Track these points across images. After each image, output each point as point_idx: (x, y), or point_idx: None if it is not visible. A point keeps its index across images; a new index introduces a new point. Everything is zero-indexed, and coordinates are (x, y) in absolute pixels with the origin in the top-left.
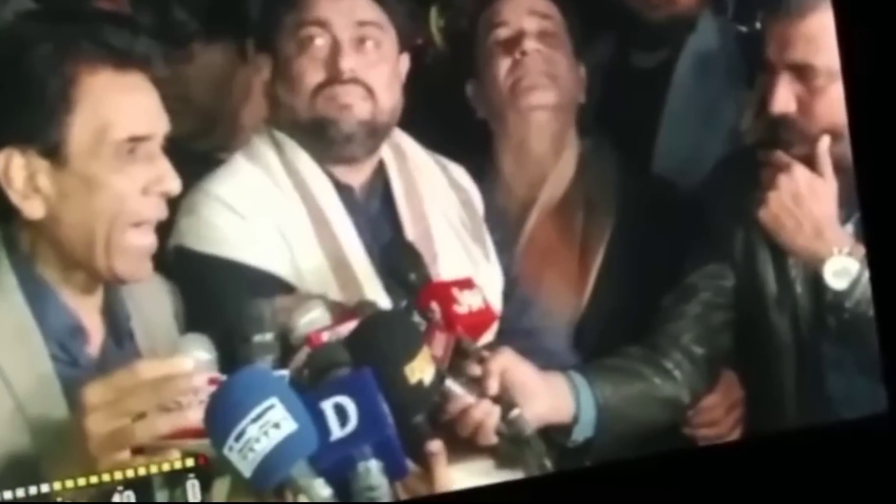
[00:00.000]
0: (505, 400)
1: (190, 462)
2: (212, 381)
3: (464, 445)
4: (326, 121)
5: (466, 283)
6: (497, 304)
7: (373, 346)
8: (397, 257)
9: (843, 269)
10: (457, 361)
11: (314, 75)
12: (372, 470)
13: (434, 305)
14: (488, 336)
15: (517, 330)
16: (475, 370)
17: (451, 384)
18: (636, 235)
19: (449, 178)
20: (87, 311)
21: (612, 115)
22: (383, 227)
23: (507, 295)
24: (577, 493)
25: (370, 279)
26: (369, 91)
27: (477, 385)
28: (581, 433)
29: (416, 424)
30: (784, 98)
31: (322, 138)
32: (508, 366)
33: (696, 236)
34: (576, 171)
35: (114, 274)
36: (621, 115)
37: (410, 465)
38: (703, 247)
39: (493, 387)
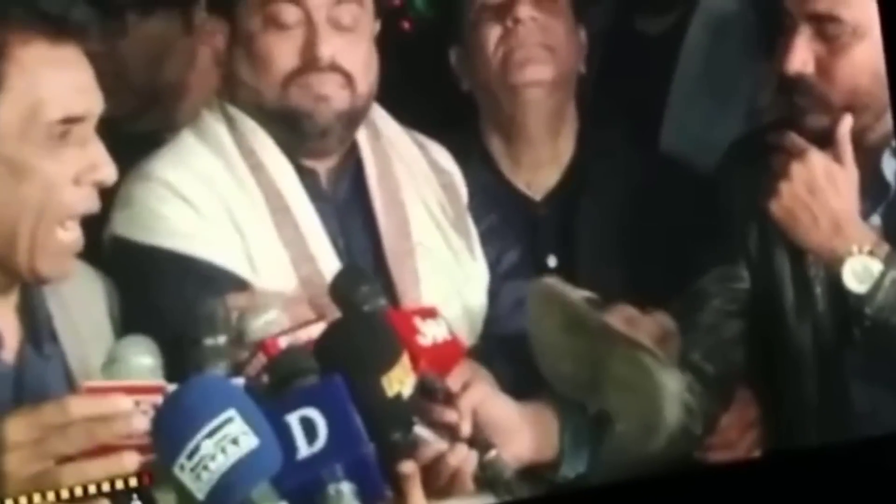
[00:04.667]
0: (480, 441)
1: (133, 482)
2: (157, 391)
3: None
4: (300, 113)
5: (430, 312)
6: (482, 303)
7: (344, 353)
8: (348, 284)
9: (864, 269)
10: (423, 403)
11: (286, 60)
12: (344, 493)
13: None
14: (457, 373)
15: (505, 335)
16: (444, 414)
17: (419, 429)
18: (641, 226)
19: (428, 159)
20: (1, 313)
21: (616, 87)
22: (352, 215)
23: (495, 293)
24: None
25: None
26: (348, 78)
27: (447, 429)
28: (571, 470)
29: (394, 442)
30: (801, 56)
31: (294, 131)
32: (481, 402)
33: (708, 230)
34: (575, 151)
35: (35, 274)
36: (626, 86)
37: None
38: (715, 243)
39: (466, 428)
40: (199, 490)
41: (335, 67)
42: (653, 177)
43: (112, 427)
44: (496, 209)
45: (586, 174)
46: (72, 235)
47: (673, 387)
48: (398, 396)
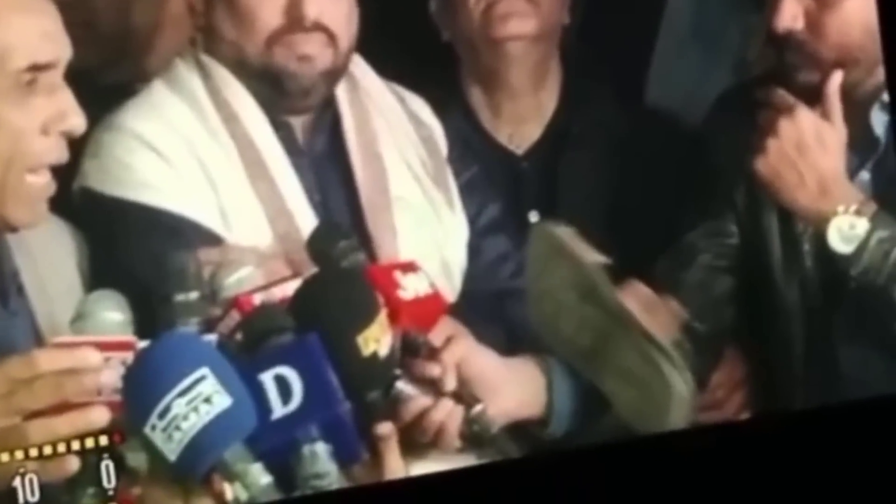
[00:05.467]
0: (465, 396)
1: (103, 440)
2: (126, 347)
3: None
4: (284, 73)
5: (410, 266)
6: (461, 258)
7: (319, 310)
8: (325, 239)
9: (850, 229)
10: (405, 359)
11: (271, 18)
12: (319, 454)
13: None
14: (440, 328)
15: (485, 292)
16: (428, 368)
17: (403, 385)
18: (626, 181)
19: (407, 111)
20: None
21: (601, 38)
22: (329, 168)
23: (475, 249)
24: (555, 480)
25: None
26: (331, 36)
27: (431, 384)
28: (559, 428)
29: (370, 402)
30: (791, 11)
31: (276, 90)
32: (465, 355)
33: (696, 184)
34: (558, 104)
35: (5, 220)
36: (611, 37)
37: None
38: (703, 197)
39: (451, 382)
40: (171, 451)
41: (320, 27)
42: (638, 130)
43: (81, 381)
44: (476, 163)
45: (570, 128)
46: (42, 180)
47: (684, 393)
48: (374, 355)
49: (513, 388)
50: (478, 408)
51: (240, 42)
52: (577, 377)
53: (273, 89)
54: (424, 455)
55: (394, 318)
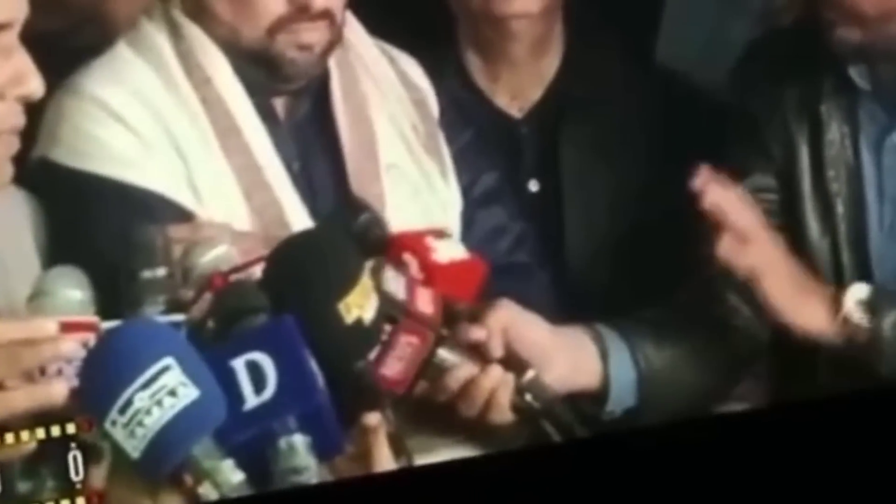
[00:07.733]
0: (514, 362)
1: (71, 428)
2: (88, 328)
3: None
4: (281, 60)
5: (441, 233)
6: (455, 230)
7: (294, 278)
8: (344, 216)
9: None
10: (446, 327)
11: (275, 4)
12: (297, 447)
13: (407, 257)
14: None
15: None
16: (472, 332)
17: (444, 353)
18: (634, 147)
19: (398, 73)
20: None
21: None
22: (312, 135)
23: (469, 221)
24: (566, 473)
25: (292, 202)
26: (332, 19)
27: (476, 350)
28: (618, 402)
29: (358, 370)
30: None
31: (269, 74)
32: (511, 320)
33: (732, 141)
34: (560, 65)
35: None
36: None
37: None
38: (742, 153)
39: (497, 347)
40: (134, 448)
41: (325, 14)
42: (648, 92)
43: (38, 351)
44: (472, 127)
45: (573, 89)
46: (3, 143)
47: None
48: (359, 322)
49: (565, 355)
50: (530, 374)
51: (236, 24)
52: (634, 348)
53: (267, 73)
54: (479, 426)
55: (429, 282)
